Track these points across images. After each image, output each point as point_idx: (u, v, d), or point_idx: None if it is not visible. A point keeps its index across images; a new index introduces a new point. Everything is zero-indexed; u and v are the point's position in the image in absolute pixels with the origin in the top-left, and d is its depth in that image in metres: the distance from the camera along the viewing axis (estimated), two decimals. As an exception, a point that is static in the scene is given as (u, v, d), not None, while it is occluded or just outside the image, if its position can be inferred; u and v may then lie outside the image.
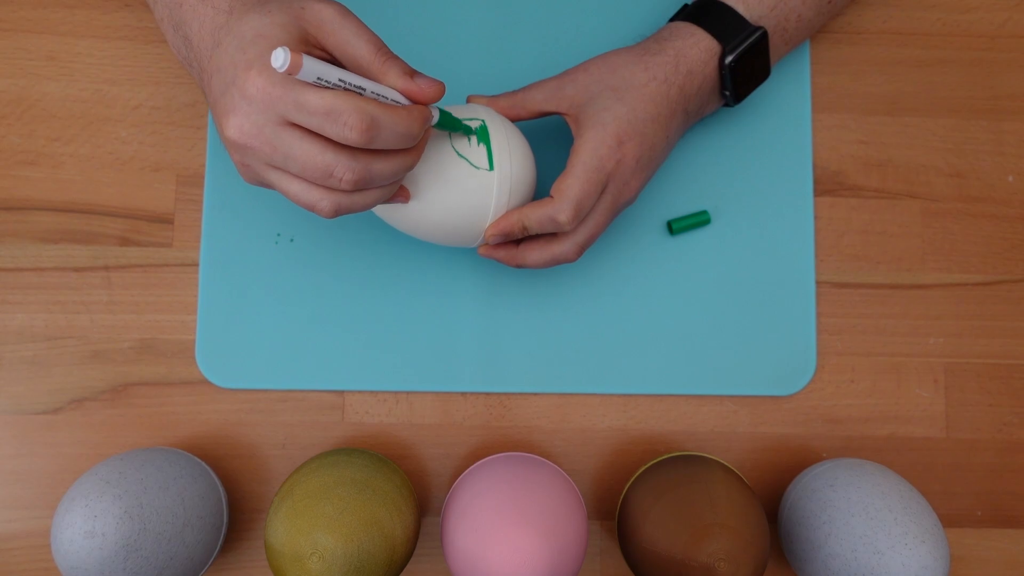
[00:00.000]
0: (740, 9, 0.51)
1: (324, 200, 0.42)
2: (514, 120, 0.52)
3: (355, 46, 0.41)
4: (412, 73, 0.42)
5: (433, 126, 0.45)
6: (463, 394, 0.57)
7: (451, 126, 0.46)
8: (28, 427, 0.56)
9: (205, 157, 0.57)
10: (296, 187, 0.42)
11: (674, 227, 0.57)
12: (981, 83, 0.60)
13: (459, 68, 0.58)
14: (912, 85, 0.60)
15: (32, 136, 0.57)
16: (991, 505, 0.57)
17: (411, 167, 0.43)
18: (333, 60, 0.43)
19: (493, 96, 0.52)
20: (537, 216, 0.48)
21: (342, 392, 0.57)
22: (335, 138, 0.40)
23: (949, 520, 0.57)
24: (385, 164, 0.42)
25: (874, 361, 0.58)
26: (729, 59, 0.50)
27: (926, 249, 0.59)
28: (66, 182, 0.57)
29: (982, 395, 0.58)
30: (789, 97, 0.59)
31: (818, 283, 0.58)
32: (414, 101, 0.42)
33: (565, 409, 0.57)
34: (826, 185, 0.59)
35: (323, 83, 0.39)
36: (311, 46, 0.42)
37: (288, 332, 0.56)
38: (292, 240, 0.57)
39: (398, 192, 0.46)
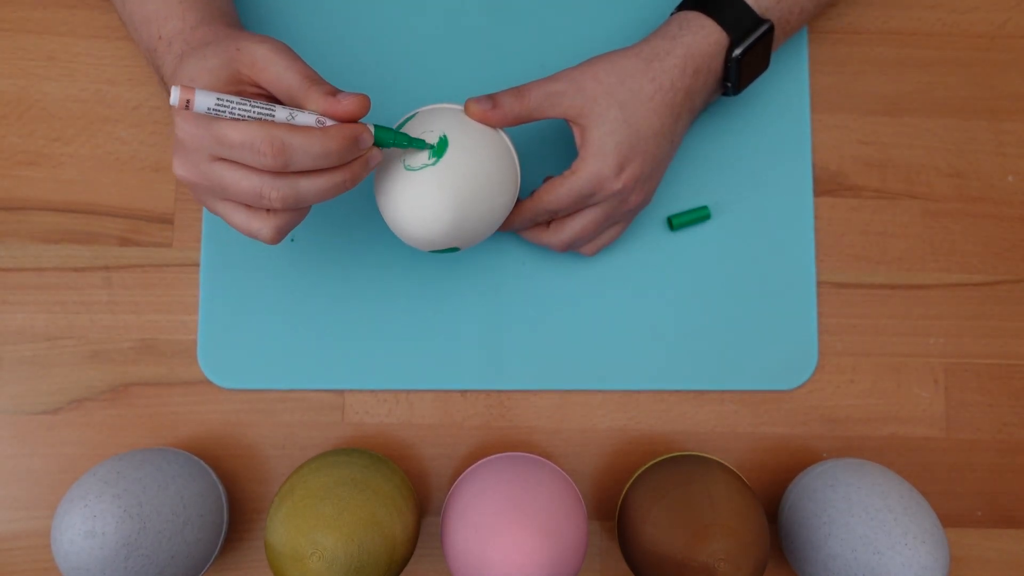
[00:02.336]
0: (749, 0, 0.51)
1: (264, 228, 0.45)
2: (514, 124, 0.50)
3: (285, 79, 0.43)
4: (334, 92, 0.43)
5: (383, 144, 0.45)
6: (463, 394, 0.57)
7: (397, 142, 0.45)
8: (28, 427, 0.56)
9: (205, 157, 0.57)
10: (238, 217, 0.45)
11: (674, 223, 0.57)
12: (981, 83, 0.60)
13: (457, 68, 0.58)
14: (912, 85, 0.60)
15: (32, 136, 0.57)
16: (991, 505, 0.57)
17: (348, 183, 0.44)
18: (270, 97, 0.45)
19: (497, 106, 0.49)
20: (521, 221, 0.52)
21: (342, 392, 0.57)
22: (255, 166, 0.42)
23: (949, 520, 0.57)
24: (312, 183, 0.43)
25: (874, 361, 0.58)
26: (737, 52, 0.50)
27: (926, 249, 0.59)
28: (66, 182, 0.57)
29: (982, 395, 0.58)
30: (788, 96, 0.59)
31: (818, 283, 0.58)
32: (338, 120, 0.43)
33: (565, 409, 0.57)
34: (826, 185, 0.59)
35: (235, 115, 0.41)
36: (246, 85, 0.44)
37: (288, 332, 0.56)
38: (292, 240, 0.57)
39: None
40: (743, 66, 0.51)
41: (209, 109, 0.41)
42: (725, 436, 0.57)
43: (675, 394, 0.57)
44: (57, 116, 0.58)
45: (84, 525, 0.45)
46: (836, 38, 0.60)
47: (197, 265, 0.57)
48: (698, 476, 0.49)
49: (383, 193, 0.48)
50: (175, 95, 0.40)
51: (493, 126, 0.49)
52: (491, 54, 0.59)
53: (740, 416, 0.57)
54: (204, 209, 0.57)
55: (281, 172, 0.43)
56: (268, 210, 0.45)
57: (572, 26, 0.59)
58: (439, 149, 0.46)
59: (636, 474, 0.53)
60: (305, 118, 0.43)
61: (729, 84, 0.52)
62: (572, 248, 0.54)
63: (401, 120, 0.49)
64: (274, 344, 0.56)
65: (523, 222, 0.53)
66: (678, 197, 0.58)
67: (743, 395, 0.57)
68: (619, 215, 0.53)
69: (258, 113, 0.42)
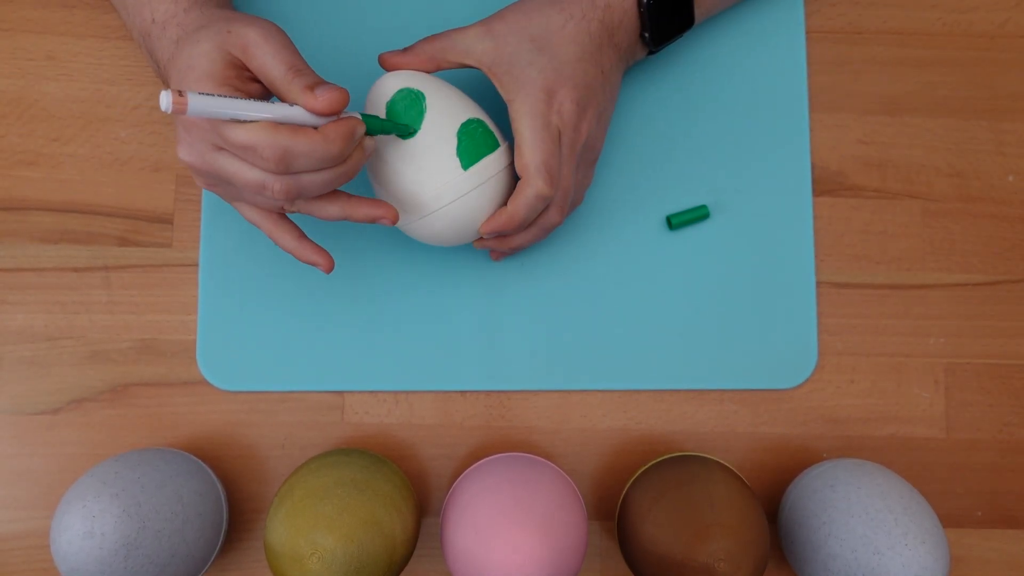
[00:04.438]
0: None
1: (278, 235, 0.47)
2: (431, 70, 0.50)
3: (271, 67, 0.43)
4: (313, 86, 0.42)
5: (372, 131, 0.46)
6: (463, 394, 0.57)
7: (384, 129, 0.46)
8: (28, 427, 0.56)
9: (205, 157, 0.57)
10: (251, 214, 0.47)
11: (673, 222, 0.57)
12: (981, 83, 0.60)
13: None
14: (912, 85, 0.60)
15: (31, 136, 0.57)
16: (991, 505, 0.57)
17: (350, 175, 0.45)
18: (259, 82, 0.44)
19: (408, 50, 0.50)
20: (523, 203, 0.48)
21: (342, 392, 0.57)
22: (258, 167, 0.42)
23: (949, 520, 0.57)
24: (314, 178, 0.44)
25: (874, 361, 0.58)
26: None
27: (926, 249, 0.59)
28: (65, 182, 0.57)
29: (982, 395, 0.58)
30: (787, 96, 0.59)
31: (818, 283, 0.58)
32: (318, 114, 0.42)
33: (565, 409, 0.57)
34: (826, 185, 0.59)
35: (228, 116, 0.41)
36: (239, 69, 0.43)
37: (288, 332, 0.56)
38: (292, 240, 0.57)
39: (383, 214, 0.47)
40: (657, 17, 0.51)
41: (205, 112, 0.40)
42: (725, 436, 0.57)
43: (675, 394, 0.57)
44: (56, 116, 0.58)
45: (83, 525, 0.45)
46: (836, 38, 0.60)
47: (196, 265, 0.57)
48: (698, 476, 0.49)
49: (382, 173, 0.49)
50: (165, 100, 0.38)
51: (407, 68, 0.49)
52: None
53: (740, 416, 0.57)
54: (204, 209, 0.57)
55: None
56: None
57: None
58: (415, 111, 0.47)
59: (636, 474, 0.53)
60: (296, 113, 0.42)
61: (646, 35, 0.52)
62: (568, 209, 0.52)
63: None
64: (274, 345, 0.56)
65: (531, 207, 0.49)
66: (677, 196, 0.58)
67: (743, 395, 0.57)
68: (580, 151, 0.51)
69: (252, 115, 0.41)
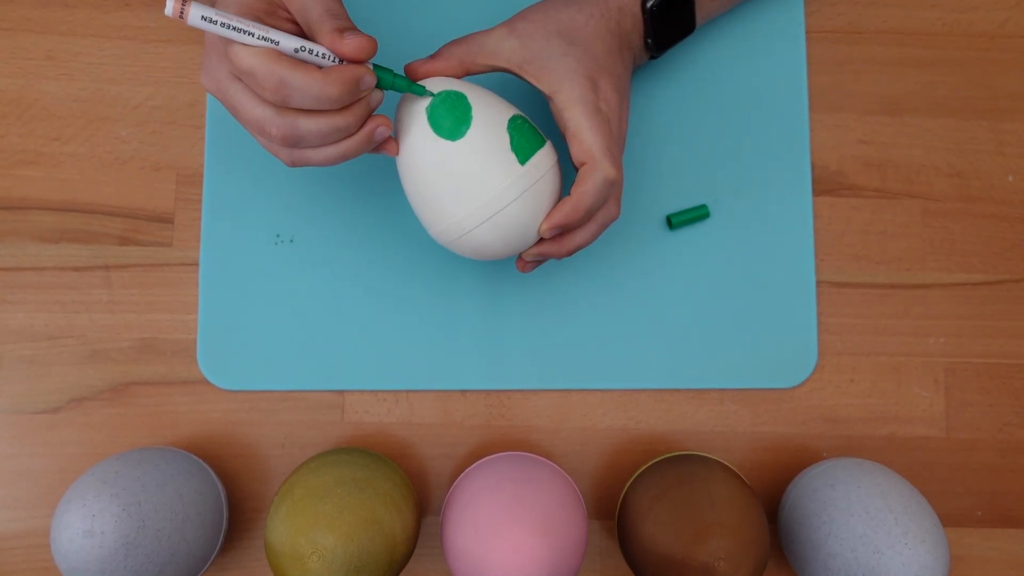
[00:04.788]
0: None
1: (281, 153, 0.45)
2: (460, 75, 0.49)
3: (310, 7, 0.42)
4: (343, 30, 0.42)
5: (383, 85, 0.44)
6: (463, 393, 0.57)
7: (396, 85, 0.45)
8: (28, 427, 0.56)
9: (205, 156, 0.57)
10: (261, 141, 0.45)
11: (673, 221, 0.57)
12: (981, 83, 0.60)
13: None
14: (912, 85, 0.60)
15: (32, 136, 0.57)
16: (991, 505, 0.57)
17: (346, 129, 0.43)
18: (299, 30, 0.44)
19: (436, 56, 0.49)
20: (592, 189, 0.46)
21: (342, 392, 0.57)
22: (259, 95, 0.42)
23: (949, 520, 0.57)
24: (312, 123, 0.42)
25: (874, 361, 0.58)
26: (650, 3, 0.50)
27: (926, 249, 0.59)
28: (65, 181, 0.57)
29: (982, 395, 0.58)
30: (787, 96, 0.59)
31: (818, 283, 0.58)
32: (342, 58, 0.42)
33: (565, 408, 0.57)
34: (826, 185, 0.59)
35: (230, 35, 0.40)
36: (275, 6, 0.43)
37: (288, 332, 0.56)
38: (292, 240, 0.57)
39: (384, 145, 0.46)
40: (660, 23, 0.51)
41: (202, 23, 0.39)
42: (725, 435, 0.57)
43: (675, 393, 0.57)
44: (57, 115, 0.58)
45: (83, 524, 0.45)
46: (835, 38, 0.60)
47: (196, 265, 0.57)
48: (698, 476, 0.49)
49: (425, 179, 0.46)
50: (170, 5, 0.38)
51: (438, 74, 0.48)
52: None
53: (740, 415, 0.57)
54: (204, 209, 0.57)
55: (282, 107, 0.42)
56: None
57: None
58: (461, 110, 0.45)
59: (636, 474, 0.53)
60: (313, 55, 0.42)
61: (649, 41, 0.52)
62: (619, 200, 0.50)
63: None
64: (274, 344, 0.56)
65: (599, 191, 0.47)
66: (677, 196, 0.58)
67: (743, 394, 0.57)
68: (623, 142, 0.50)
69: (260, 38, 0.40)
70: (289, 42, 0.41)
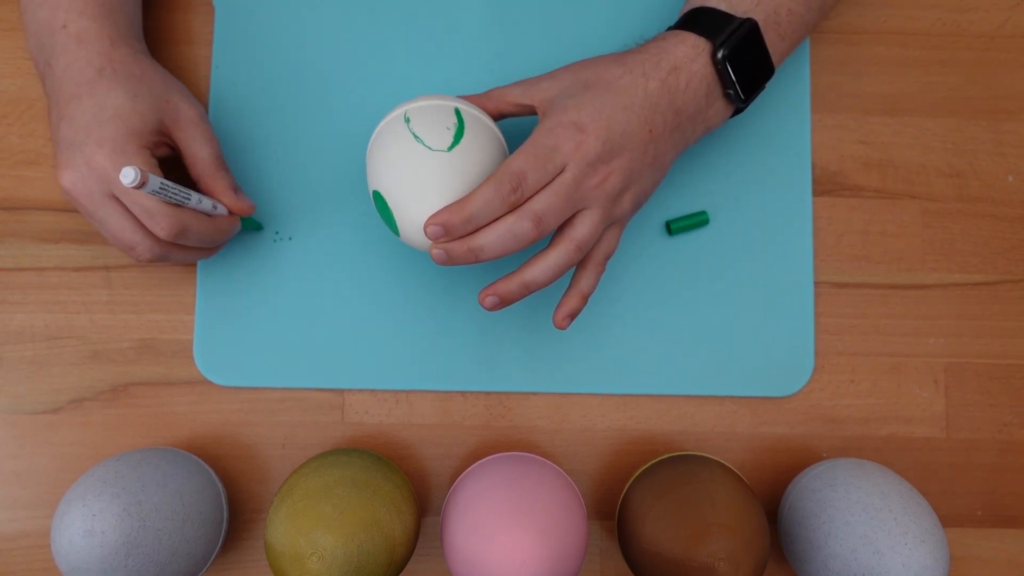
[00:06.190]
0: (723, 7, 0.51)
1: (143, 246, 0.49)
2: (492, 113, 0.52)
3: (199, 148, 0.50)
4: (236, 189, 0.52)
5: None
6: (463, 394, 0.57)
7: (250, 227, 0.55)
8: (28, 427, 0.56)
9: (205, 157, 0.57)
10: (118, 246, 0.50)
11: (673, 227, 0.57)
12: (981, 83, 0.60)
13: (459, 70, 0.58)
14: (912, 85, 0.60)
15: (32, 136, 0.57)
16: (991, 505, 0.57)
17: (209, 255, 0.53)
18: (177, 152, 0.51)
19: (482, 95, 0.53)
20: (477, 193, 0.45)
21: (342, 391, 0.57)
22: (148, 228, 0.48)
23: (949, 520, 0.57)
24: (183, 254, 0.51)
25: (874, 361, 0.58)
26: (721, 53, 0.49)
27: (926, 249, 0.59)
28: (66, 182, 0.57)
29: (982, 395, 0.58)
30: (788, 96, 0.59)
31: (818, 283, 0.58)
32: (232, 213, 0.52)
33: (565, 409, 0.57)
34: (826, 185, 0.59)
35: (168, 199, 0.46)
36: (162, 135, 0.50)
37: (288, 331, 0.56)
38: (291, 239, 0.57)
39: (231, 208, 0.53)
40: (737, 69, 0.50)
41: (154, 192, 0.44)
42: (725, 436, 0.57)
43: (675, 395, 0.57)
44: (57, 116, 0.58)
45: (83, 524, 0.45)
46: (836, 38, 0.60)
47: (195, 264, 0.57)
48: (698, 476, 0.49)
49: (389, 164, 0.47)
50: (132, 175, 0.42)
51: (486, 111, 0.51)
52: (492, 57, 0.59)
53: (740, 416, 0.57)
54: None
55: (161, 240, 0.48)
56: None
57: (575, 30, 0.59)
58: (457, 134, 0.48)
59: (636, 474, 0.53)
60: (205, 204, 0.49)
61: (731, 92, 0.51)
62: (544, 224, 0.46)
63: (404, 105, 0.49)
64: (273, 343, 0.56)
65: (485, 197, 0.45)
66: (677, 199, 0.58)
67: (742, 397, 0.57)
68: (590, 192, 0.47)
69: (181, 199, 0.47)
70: (194, 198, 0.48)
